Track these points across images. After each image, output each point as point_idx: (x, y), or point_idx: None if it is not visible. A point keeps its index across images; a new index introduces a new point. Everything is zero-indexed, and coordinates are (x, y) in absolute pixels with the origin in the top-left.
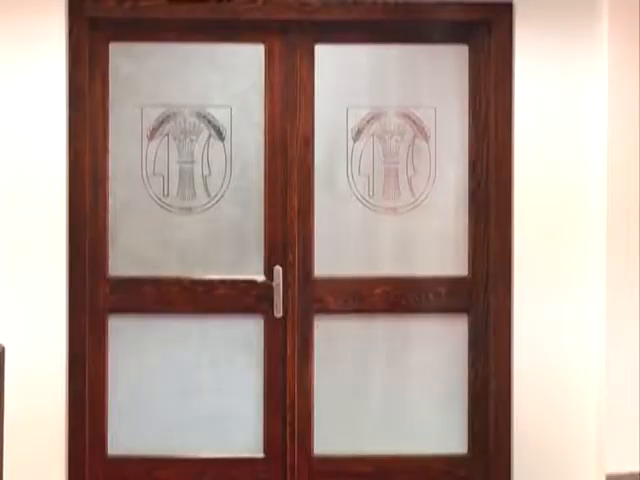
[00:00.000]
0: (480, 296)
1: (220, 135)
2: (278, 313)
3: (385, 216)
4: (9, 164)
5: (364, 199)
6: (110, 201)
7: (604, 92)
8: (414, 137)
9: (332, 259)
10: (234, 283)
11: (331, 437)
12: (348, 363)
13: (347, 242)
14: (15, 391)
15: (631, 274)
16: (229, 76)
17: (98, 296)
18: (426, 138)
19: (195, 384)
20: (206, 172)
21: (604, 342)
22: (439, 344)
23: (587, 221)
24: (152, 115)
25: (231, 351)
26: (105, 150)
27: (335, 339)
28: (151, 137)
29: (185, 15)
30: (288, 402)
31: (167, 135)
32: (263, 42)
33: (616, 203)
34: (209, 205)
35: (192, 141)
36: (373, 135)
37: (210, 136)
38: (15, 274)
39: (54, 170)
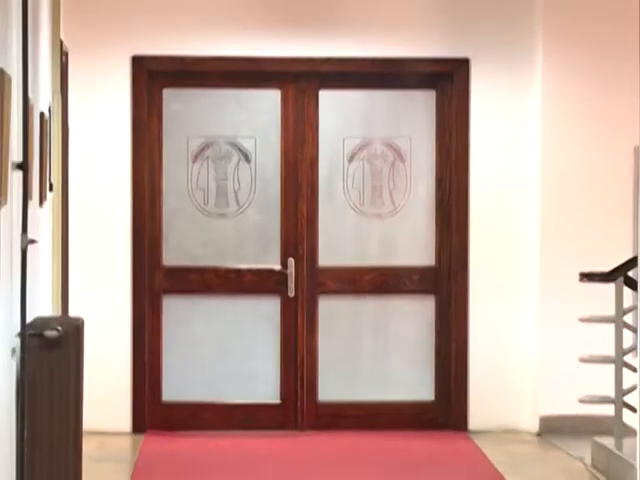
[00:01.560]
0: (444, 281)
1: (247, 159)
2: (291, 294)
3: (372, 220)
4: (87, 181)
5: (356, 207)
6: (163, 209)
7: (538, 126)
8: (394, 160)
9: (332, 253)
10: (258, 271)
11: (332, 387)
12: (344, 332)
13: (343, 240)
14: (91, 355)
15: (557, 263)
16: (254, 114)
17: (154, 281)
18: (403, 161)
19: (228, 348)
20: (236, 187)
21: (538, 315)
22: (413, 317)
23: (525, 226)
24: (195, 143)
25: (255, 323)
26: (160, 170)
27: (334, 313)
28: (194, 160)
29: (220, 68)
30: (298, 361)
31: (207, 159)
32: (280, 88)
33: (548, 213)
34: (239, 212)
35: (225, 163)
36: (363, 159)
37: (239, 159)
38: (93, 264)
39: (121, 185)
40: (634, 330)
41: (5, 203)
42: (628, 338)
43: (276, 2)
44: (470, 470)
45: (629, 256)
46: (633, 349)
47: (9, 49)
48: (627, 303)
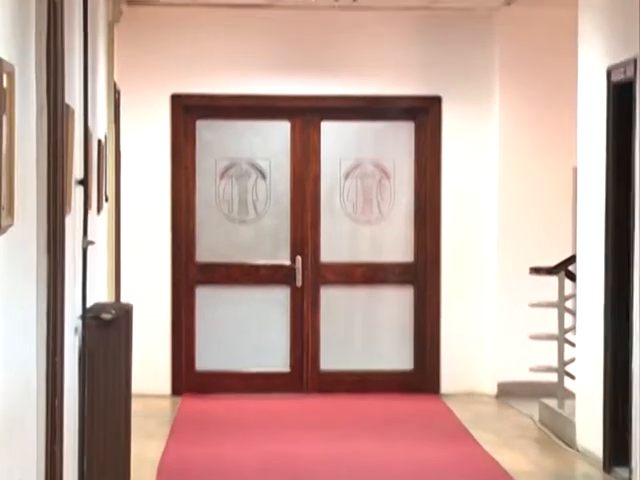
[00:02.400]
0: (421, 274)
1: (263, 176)
2: (298, 284)
3: (363, 225)
4: (135, 194)
5: (350, 215)
6: (196, 216)
7: (496, 150)
8: (381, 178)
9: (331, 252)
10: (271, 266)
11: (331, 359)
12: (341, 314)
13: (340, 241)
14: (139, 333)
15: (512, 259)
16: (268, 140)
17: (189, 274)
18: (388, 178)
19: (247, 327)
20: (255, 199)
21: (496, 301)
22: (396, 303)
23: (486, 230)
24: (221, 164)
25: (270, 307)
26: (193, 186)
27: (333, 300)
28: (221, 178)
29: (241, 103)
30: (304, 338)
31: (231, 176)
32: (289, 120)
33: (504, 219)
34: (256, 219)
35: (246, 180)
36: (356, 177)
37: (257, 177)
38: (139, 261)
39: (162, 197)
40: (573, 313)
41: (70, 212)
42: (569, 320)
43: (285, 51)
44: (441, 425)
45: (569, 254)
46: (572, 328)
47: (73, 88)
48: (568, 292)
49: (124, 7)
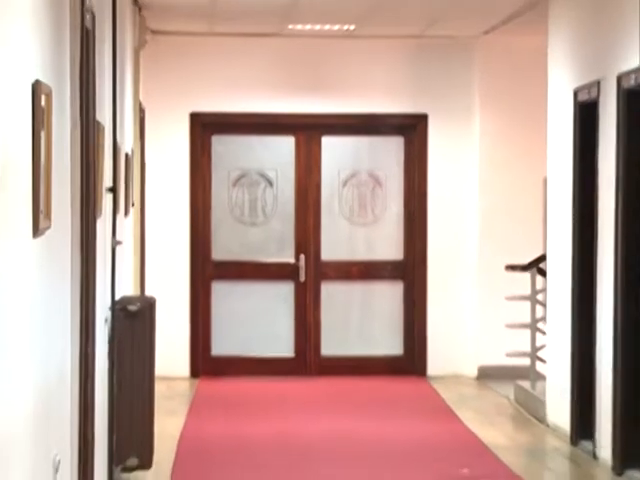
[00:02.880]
0: (410, 271)
1: (271, 185)
2: (302, 279)
3: (359, 227)
4: (158, 200)
5: (348, 218)
6: (212, 220)
7: (476, 162)
8: (374, 186)
9: (331, 251)
10: (278, 264)
11: (330, 345)
12: (339, 306)
13: (339, 242)
14: (161, 322)
15: (490, 258)
16: (276, 153)
17: (206, 270)
18: (381, 187)
19: (257, 317)
20: (264, 204)
21: (477, 295)
22: (388, 296)
23: (467, 233)
24: (234, 174)
25: (276, 300)
26: (209, 193)
27: (332, 293)
28: (233, 186)
29: (251, 120)
30: (307, 327)
31: (242, 185)
32: (294, 135)
33: (484, 223)
34: (265, 222)
35: (255, 188)
36: (353, 185)
37: (265, 185)
38: (162, 259)
39: (182, 203)
40: (543, 305)
41: (100, 215)
42: (540, 311)
43: (290, 74)
44: (428, 404)
45: (540, 254)
46: (543, 318)
47: (103, 106)
48: (539, 286)
49: (148, 36)
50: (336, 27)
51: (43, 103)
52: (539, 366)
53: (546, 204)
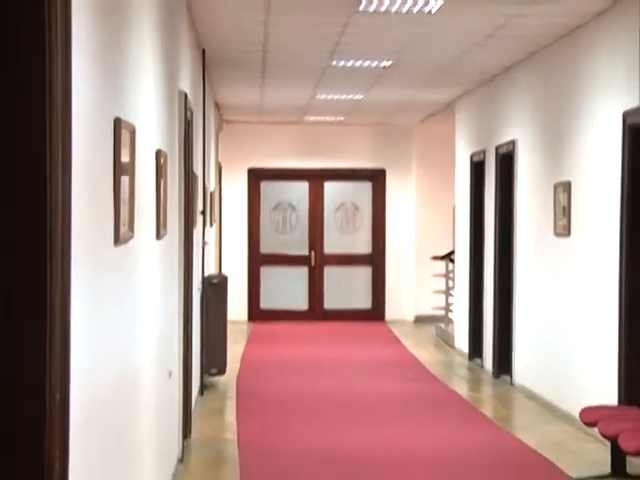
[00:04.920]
0: (375, 259)
1: (294, 209)
2: (312, 265)
3: (345, 234)
4: (230, 218)
5: (339, 229)
6: (260, 230)
7: (413, 198)
8: (355, 211)
9: (329, 248)
10: (299, 255)
11: (330, 302)
12: (335, 280)
13: (334, 243)
14: (231, 290)
15: (423, 253)
16: (297, 191)
17: (257, 259)
18: (358, 211)
19: (286, 286)
20: (290, 221)
21: (414, 272)
22: (363, 274)
23: (408, 238)
24: (272, 203)
25: (298, 276)
26: (258, 214)
27: (331, 273)
28: (272, 210)
29: (282, 173)
30: (315, 292)
31: (277, 210)
32: (307, 181)
33: (419, 230)
34: (291, 231)
35: (285, 211)
36: (342, 210)
37: (291, 210)
38: (233, 252)
39: (243, 220)
40: (453, 279)
41: (195, 227)
42: (451, 283)
43: (306, 145)
44: (385, 337)
45: (450, 249)
46: (452, 287)
47: (197, 164)
48: (450, 268)
49: (223, 124)
50: (333, 118)
51: (162, 162)
52: (450, 315)
53: (454, 222)
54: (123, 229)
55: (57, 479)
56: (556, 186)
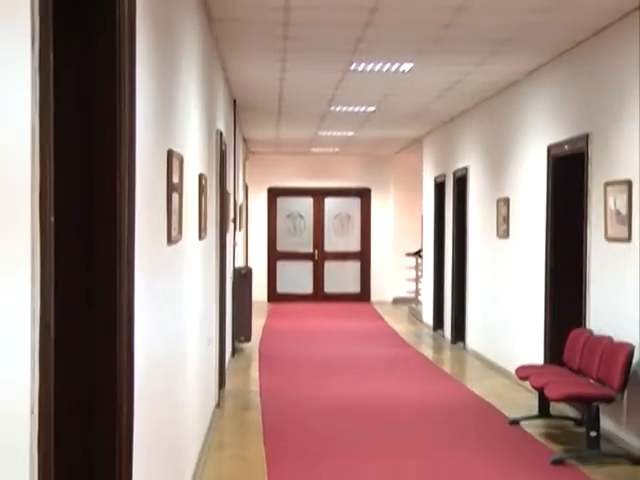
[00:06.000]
0: (363, 255)
1: (302, 218)
2: (316, 259)
3: (340, 237)
4: (256, 225)
5: (336, 233)
6: (277, 233)
7: (391, 210)
8: (348, 219)
9: (328, 247)
10: (306, 252)
11: (329, 286)
12: (333, 271)
13: (332, 242)
14: (255, 278)
15: (397, 251)
16: (304, 205)
17: (274, 255)
18: (350, 220)
19: (296, 275)
20: (298, 226)
21: (392, 264)
22: (353, 267)
23: (387, 238)
24: (286, 213)
25: (305, 268)
26: (275, 221)
27: (329, 266)
28: (286, 218)
29: (294, 191)
30: (318, 280)
31: (290, 218)
32: (312, 197)
33: (396, 235)
34: (300, 234)
35: (295, 220)
36: (338, 218)
37: (300, 219)
38: (256, 250)
39: (263, 226)
40: (421, 270)
41: (228, 231)
42: (420, 273)
43: (312, 169)
44: (370, 314)
45: (419, 248)
46: (421, 276)
47: (229, 184)
48: (419, 262)
49: (249, 154)
50: (331, 149)
51: (203, 183)
52: (419, 297)
53: (422, 227)
54: (174, 233)
55: (125, 419)
56: (498, 201)
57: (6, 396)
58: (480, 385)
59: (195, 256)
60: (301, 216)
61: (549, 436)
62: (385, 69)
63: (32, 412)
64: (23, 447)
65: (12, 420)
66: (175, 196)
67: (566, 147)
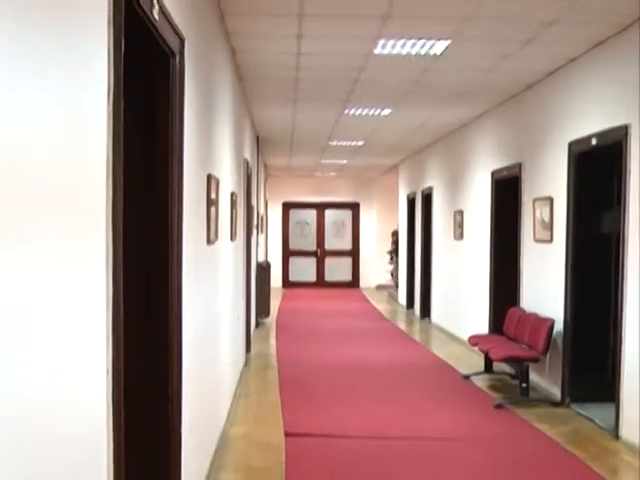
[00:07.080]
0: (353, 253)
1: (308, 225)
2: (318, 256)
3: (337, 239)
4: (270, 230)
5: (334, 236)
6: (290, 236)
7: (374, 220)
8: (343, 225)
9: (328, 246)
10: (310, 250)
11: (329, 276)
12: (332, 265)
13: (332, 243)
14: (273, 271)
15: (382, 249)
16: (309, 215)
17: (287, 253)
18: (344, 226)
19: (303, 269)
20: (305, 231)
21: (376, 260)
22: (346, 262)
23: (372, 241)
24: (296, 221)
25: (309, 263)
26: (287, 228)
27: (329, 262)
28: (296, 225)
29: (302, 205)
30: (320, 271)
31: (299, 225)
32: (315, 209)
33: (379, 237)
34: (306, 237)
35: (303, 226)
36: (335, 226)
37: (306, 225)
38: (273, 250)
39: (278, 232)
40: (397, 264)
41: (253, 235)
42: (397, 268)
43: (314, 190)
44: (359, 297)
45: (394, 246)
46: (397, 269)
47: (253, 200)
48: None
49: (269, 176)
50: (331, 173)
51: (234, 199)
52: (396, 284)
53: (398, 234)
54: (212, 236)
55: (176, 372)
56: (455, 212)
57: (88, 357)
58: (441, 350)
59: (228, 253)
60: (307, 223)
61: (492, 387)
62: (370, 113)
63: (107, 372)
64: (100, 400)
65: (91, 377)
66: (213, 209)
67: (505, 172)
